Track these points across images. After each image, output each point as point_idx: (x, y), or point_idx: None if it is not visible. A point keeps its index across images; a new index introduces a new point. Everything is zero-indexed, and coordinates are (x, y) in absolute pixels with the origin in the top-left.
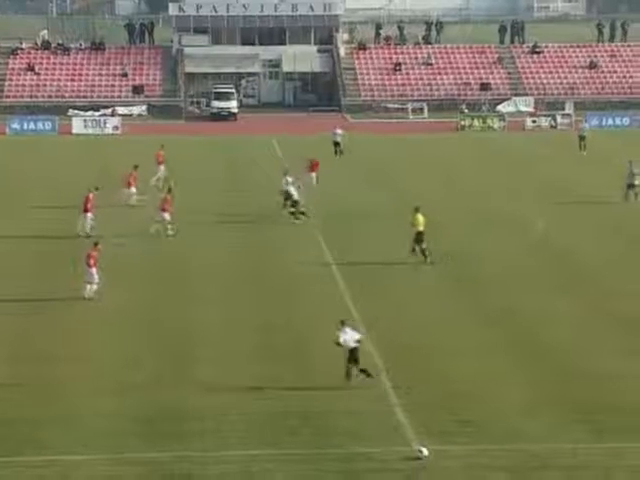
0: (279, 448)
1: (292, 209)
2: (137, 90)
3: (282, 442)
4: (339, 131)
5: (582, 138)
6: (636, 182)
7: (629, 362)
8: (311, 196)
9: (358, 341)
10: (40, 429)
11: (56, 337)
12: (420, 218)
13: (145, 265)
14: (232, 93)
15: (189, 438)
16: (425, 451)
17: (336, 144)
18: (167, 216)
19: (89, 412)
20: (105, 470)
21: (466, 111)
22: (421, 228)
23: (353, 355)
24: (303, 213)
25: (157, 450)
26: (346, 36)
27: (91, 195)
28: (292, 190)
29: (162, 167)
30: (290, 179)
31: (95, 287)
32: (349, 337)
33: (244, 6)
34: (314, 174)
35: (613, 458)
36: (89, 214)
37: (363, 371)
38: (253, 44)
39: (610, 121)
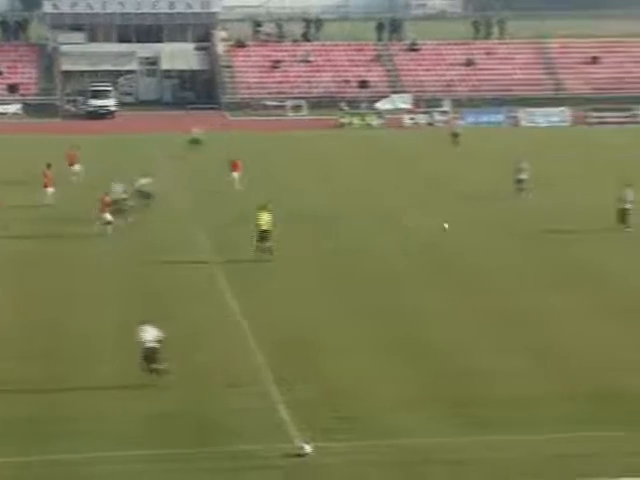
0: (160, 448)
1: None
2: (12, 89)
3: (163, 441)
4: (196, 130)
5: (455, 135)
6: (523, 177)
7: (502, 358)
8: (231, 198)
9: (159, 341)
10: None
11: None
12: (264, 217)
13: (34, 263)
14: (109, 91)
15: (66, 440)
16: (307, 448)
17: (194, 141)
18: (108, 216)
19: None
20: None
21: (346, 109)
22: (265, 227)
23: (149, 353)
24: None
25: (33, 453)
26: (224, 34)
27: None
28: (120, 189)
29: (77, 167)
30: (144, 181)
31: None
32: (149, 336)
33: (121, 3)
34: (236, 174)
35: (490, 450)
36: None
37: (155, 370)
38: (130, 41)
39: (486, 118)
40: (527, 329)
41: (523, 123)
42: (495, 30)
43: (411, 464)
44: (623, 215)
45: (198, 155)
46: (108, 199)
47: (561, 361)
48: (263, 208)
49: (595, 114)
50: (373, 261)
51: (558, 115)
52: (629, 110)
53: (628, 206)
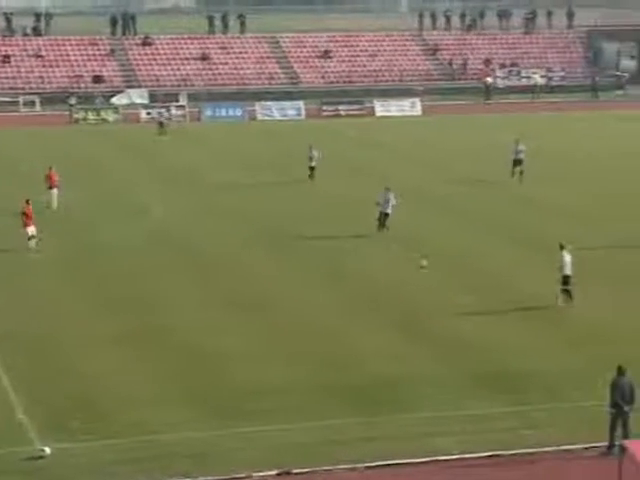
0: None
1: None
2: None
3: None
4: None
5: (161, 124)
6: (313, 164)
7: (244, 344)
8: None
9: None
10: None
11: None
12: None
13: None
14: None
15: None
16: (47, 450)
17: None
18: (32, 230)
19: None
20: None
21: (74, 104)
22: None
23: None
24: None
25: None
26: None
27: None
28: None
29: None
30: None
31: None
32: None
33: None
34: (54, 190)
35: (238, 442)
36: None
37: None
38: None
39: (224, 112)
40: (267, 315)
41: (259, 117)
42: (232, 25)
43: (154, 459)
44: (382, 219)
45: None
46: (29, 211)
47: (300, 349)
48: None
49: (329, 107)
50: (119, 255)
51: (294, 108)
52: (361, 103)
53: (389, 211)
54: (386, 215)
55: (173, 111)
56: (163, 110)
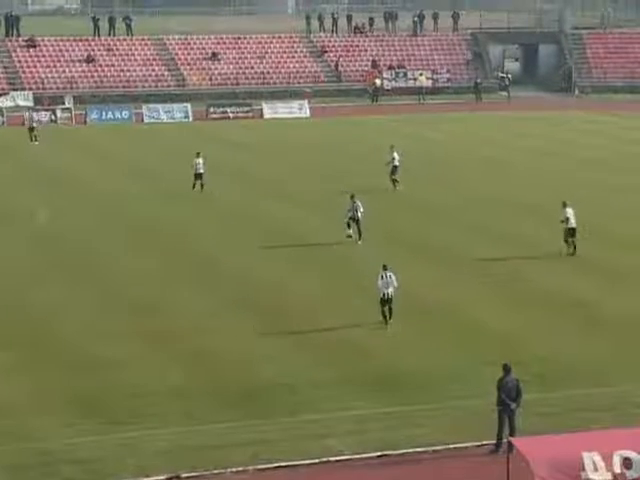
0: None
1: None
2: None
3: None
4: None
5: (32, 129)
6: (201, 171)
7: (128, 346)
8: None
9: None
10: None
11: None
12: None
13: None
14: None
15: None
16: None
17: None
18: None
19: None
20: None
21: None
22: None
23: None
24: None
25: None
26: None
27: None
28: None
29: None
30: None
31: None
32: None
33: None
34: None
35: (131, 447)
36: None
37: None
38: None
39: (110, 115)
40: (150, 319)
41: (146, 119)
42: (118, 27)
43: (38, 466)
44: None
45: None
46: None
47: (184, 352)
48: None
49: (217, 109)
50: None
51: (181, 111)
52: (249, 105)
53: (359, 216)
54: (357, 221)
55: (59, 114)
56: (34, 114)
